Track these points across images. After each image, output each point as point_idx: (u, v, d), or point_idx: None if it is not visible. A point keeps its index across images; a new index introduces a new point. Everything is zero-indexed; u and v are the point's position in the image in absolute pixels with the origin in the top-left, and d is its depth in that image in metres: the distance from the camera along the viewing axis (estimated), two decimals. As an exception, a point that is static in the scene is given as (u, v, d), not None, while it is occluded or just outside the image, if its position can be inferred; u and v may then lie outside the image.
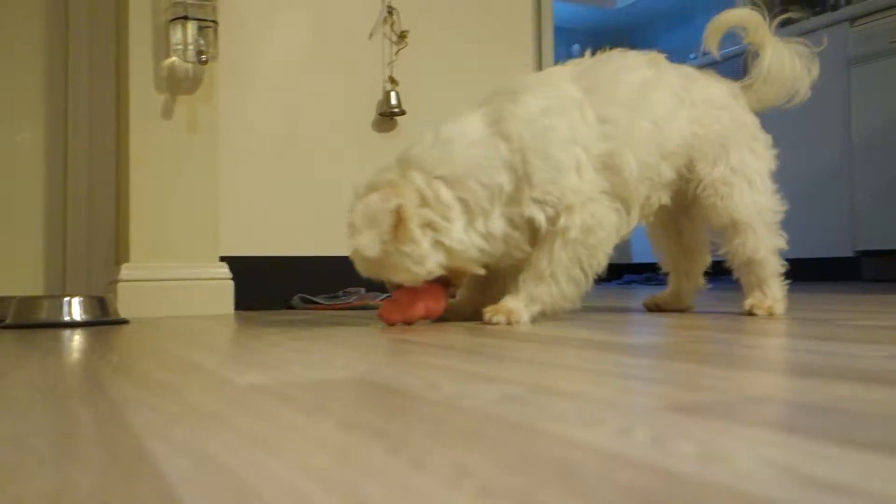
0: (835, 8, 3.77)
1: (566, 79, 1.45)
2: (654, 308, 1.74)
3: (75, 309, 1.61)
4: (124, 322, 1.68)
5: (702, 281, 1.72)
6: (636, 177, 1.42)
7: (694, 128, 1.49)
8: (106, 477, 0.41)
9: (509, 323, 1.34)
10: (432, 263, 1.31)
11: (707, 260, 1.71)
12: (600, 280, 1.49)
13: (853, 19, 3.45)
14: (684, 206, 1.59)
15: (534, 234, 1.39)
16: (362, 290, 2.16)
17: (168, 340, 1.23)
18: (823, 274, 3.56)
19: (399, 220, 1.27)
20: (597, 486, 0.38)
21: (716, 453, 0.44)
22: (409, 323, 1.40)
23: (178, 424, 0.55)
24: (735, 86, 1.61)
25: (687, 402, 0.59)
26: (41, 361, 0.95)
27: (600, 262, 1.40)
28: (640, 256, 4.30)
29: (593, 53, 1.54)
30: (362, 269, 1.35)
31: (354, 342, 1.13)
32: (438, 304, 1.41)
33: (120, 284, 1.91)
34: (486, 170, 1.33)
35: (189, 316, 1.90)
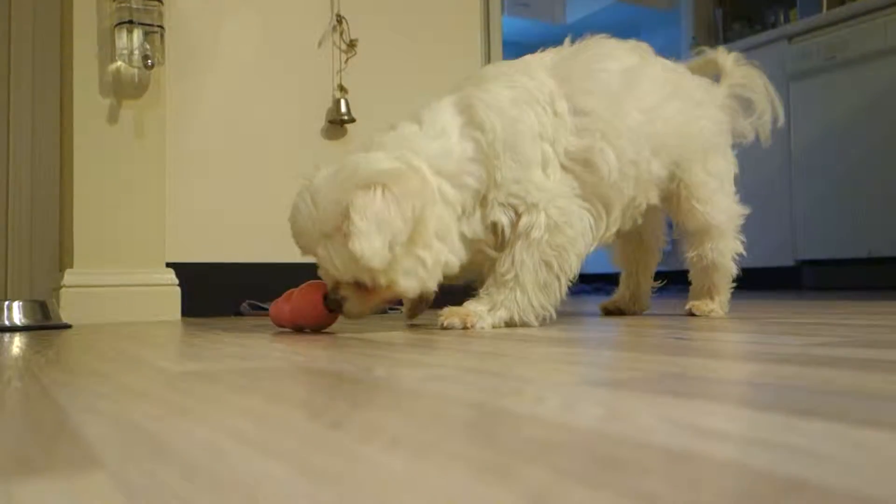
0: (774, 25, 3.90)
1: (540, 67, 1.34)
2: (615, 311, 1.69)
3: (15, 313, 1.59)
4: (67, 327, 1.65)
5: (653, 281, 1.69)
6: (617, 175, 1.30)
7: (682, 124, 1.42)
8: (27, 440, 0.42)
9: (465, 327, 1.21)
10: (439, 274, 1.17)
11: (660, 257, 1.68)
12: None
13: (791, 36, 3.57)
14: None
15: (497, 239, 1.28)
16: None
17: (108, 340, 1.22)
18: (765, 283, 3.66)
19: (418, 222, 1.12)
20: (501, 438, 0.40)
21: (619, 414, 0.46)
22: (298, 327, 1.29)
23: (104, 400, 0.56)
24: (709, 82, 1.56)
25: (605, 379, 0.62)
26: (-25, 357, 0.95)
27: (572, 265, 1.26)
28: (589, 266, 4.37)
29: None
30: (339, 272, 1.14)
31: (295, 338, 1.14)
32: (319, 313, 1.23)
33: (63, 290, 1.88)
34: (474, 165, 1.21)
35: (134, 322, 1.88)
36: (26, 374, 0.74)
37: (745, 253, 1.53)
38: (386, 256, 1.08)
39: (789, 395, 0.51)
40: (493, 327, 1.24)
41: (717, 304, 1.51)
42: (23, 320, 1.58)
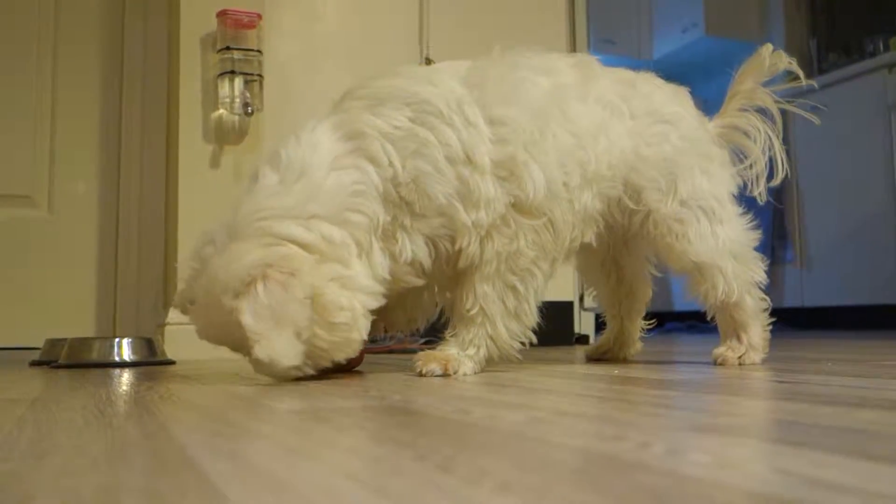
0: (872, 55, 3.77)
1: (451, 73, 1.17)
2: (599, 357, 1.51)
3: (125, 350, 1.67)
4: (171, 363, 1.73)
5: (642, 322, 1.50)
6: (543, 194, 1.12)
7: (636, 145, 1.24)
8: (154, 475, 0.45)
9: (446, 373, 1.10)
10: (365, 320, 1.03)
11: (649, 294, 1.48)
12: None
13: (891, 66, 3.44)
14: (623, 236, 1.34)
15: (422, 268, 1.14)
16: (400, 333, 2.19)
17: (212, 377, 1.27)
18: (871, 321, 3.49)
19: (317, 300, 0.98)
20: (611, 485, 0.40)
21: (728, 461, 0.46)
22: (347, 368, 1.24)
23: (219, 437, 0.58)
24: (682, 90, 1.39)
25: (707, 424, 0.61)
26: (93, 392, 1.00)
27: (539, 284, 1.15)
28: (682, 304, 4.27)
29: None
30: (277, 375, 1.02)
31: (391, 377, 1.15)
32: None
33: (168, 327, 1.97)
34: (359, 199, 1.05)
35: (232, 358, 1.95)
36: (143, 410, 0.78)
37: (765, 278, 1.30)
38: (297, 350, 0.96)
39: (909, 446, 0.49)
40: (476, 372, 1.14)
41: (746, 346, 1.28)
42: (132, 356, 1.66)
